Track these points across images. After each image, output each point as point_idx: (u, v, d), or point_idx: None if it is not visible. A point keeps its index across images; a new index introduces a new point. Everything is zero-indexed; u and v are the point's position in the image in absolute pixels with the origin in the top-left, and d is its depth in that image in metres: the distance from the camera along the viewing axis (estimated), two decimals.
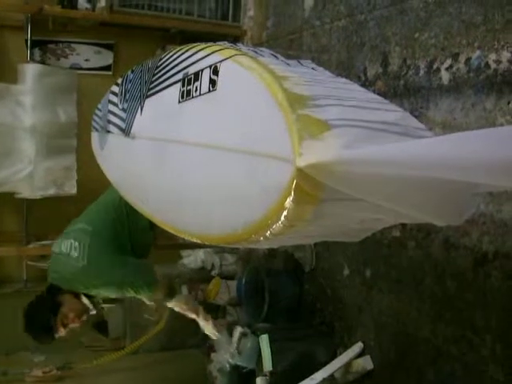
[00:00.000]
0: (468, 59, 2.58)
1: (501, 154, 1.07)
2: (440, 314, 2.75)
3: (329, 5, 3.73)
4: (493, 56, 2.45)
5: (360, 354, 3.34)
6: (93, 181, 3.20)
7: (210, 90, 1.67)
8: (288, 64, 1.70)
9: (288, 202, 1.29)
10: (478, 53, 2.53)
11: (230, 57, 1.62)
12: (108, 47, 4.82)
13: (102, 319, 4.89)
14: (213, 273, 4.88)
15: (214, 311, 4.75)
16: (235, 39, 4.74)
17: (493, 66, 2.45)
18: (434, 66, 2.78)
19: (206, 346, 4.39)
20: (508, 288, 2.38)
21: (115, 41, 4.81)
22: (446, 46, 2.72)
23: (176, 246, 4.71)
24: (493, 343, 2.45)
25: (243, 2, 4.94)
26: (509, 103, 2.38)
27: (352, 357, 3.32)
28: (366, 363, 3.27)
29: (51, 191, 4.18)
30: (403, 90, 3.00)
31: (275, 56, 1.77)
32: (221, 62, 1.64)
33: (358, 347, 3.34)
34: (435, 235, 2.78)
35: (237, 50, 1.68)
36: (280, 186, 1.29)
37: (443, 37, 2.74)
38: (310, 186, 1.25)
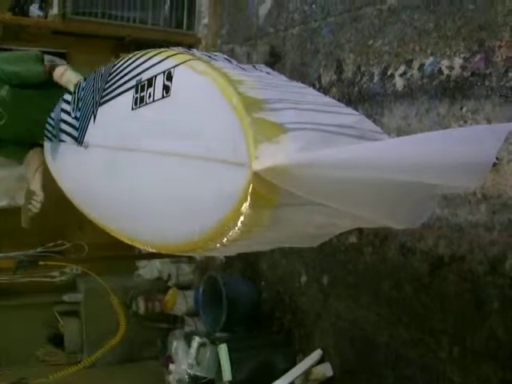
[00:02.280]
0: (421, 65, 2.61)
1: (451, 154, 1.08)
2: (398, 318, 2.76)
3: (283, 13, 3.74)
4: (445, 62, 2.48)
5: (319, 361, 3.34)
6: (46, 192, 3.14)
7: (163, 96, 1.65)
8: (243, 68, 1.68)
9: (244, 207, 1.28)
10: (431, 59, 2.56)
11: (184, 62, 1.60)
12: (61, 56, 4.74)
13: (58, 333, 4.82)
14: (170, 283, 4.85)
15: (171, 322, 4.73)
16: (190, 47, 4.71)
17: (446, 72, 2.48)
18: (388, 73, 2.81)
19: (165, 357, 4.34)
20: (464, 290, 2.40)
21: (68, 49, 4.74)
22: (399, 52, 2.75)
23: (132, 256, 4.67)
24: (450, 345, 2.47)
25: (197, 10, 4.92)
26: (461, 108, 2.40)
27: (311, 364, 3.31)
28: (326, 370, 3.27)
29: (3, 203, 4.09)
30: (358, 97, 3.02)
31: (229, 60, 1.75)
32: (174, 67, 1.63)
33: (317, 354, 3.34)
34: (392, 240, 2.79)
35: (190, 55, 1.66)
36: (236, 190, 1.27)
37: (397, 44, 2.76)
38: (266, 190, 1.23)
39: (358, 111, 1.67)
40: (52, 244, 4.25)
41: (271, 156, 1.17)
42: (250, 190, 1.23)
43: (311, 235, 1.71)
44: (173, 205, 1.61)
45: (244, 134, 1.25)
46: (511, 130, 1.29)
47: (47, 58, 2.87)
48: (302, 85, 1.75)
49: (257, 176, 1.19)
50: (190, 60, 1.60)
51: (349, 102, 3.01)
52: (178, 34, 4.91)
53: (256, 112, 1.30)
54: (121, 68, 2.02)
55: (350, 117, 1.52)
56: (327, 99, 1.65)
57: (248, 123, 1.26)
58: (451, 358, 2.47)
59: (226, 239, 1.42)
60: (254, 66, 1.78)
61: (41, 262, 4.00)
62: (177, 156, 1.54)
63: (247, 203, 1.26)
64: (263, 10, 3.96)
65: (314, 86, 3.33)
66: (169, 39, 4.71)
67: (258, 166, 1.18)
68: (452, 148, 1.19)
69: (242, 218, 1.31)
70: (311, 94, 1.66)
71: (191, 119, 1.53)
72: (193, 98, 1.55)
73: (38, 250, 4.16)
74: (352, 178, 1.17)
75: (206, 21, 4.89)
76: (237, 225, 1.34)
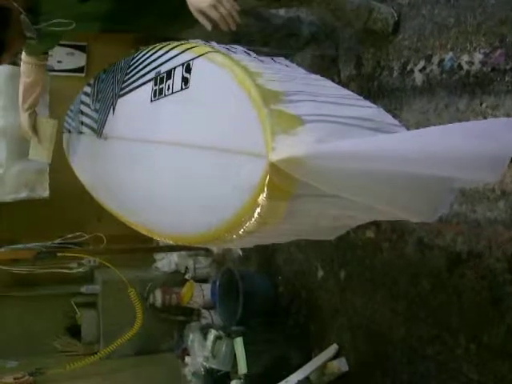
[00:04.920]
0: (441, 61, 2.59)
1: (469, 147, 1.08)
2: (415, 314, 2.75)
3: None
4: (465, 57, 2.46)
5: (335, 356, 3.33)
6: (65, 183, 3.17)
7: (182, 88, 1.67)
8: (261, 61, 1.69)
9: (261, 198, 1.28)
10: (450, 54, 2.54)
11: (203, 54, 1.62)
12: (81, 48, 4.77)
13: (76, 324, 4.86)
14: (187, 276, 4.87)
15: (188, 315, 4.74)
16: None
17: (465, 67, 2.46)
18: (408, 68, 2.79)
19: (181, 349, 4.37)
20: (481, 288, 2.39)
21: (88, 42, 4.76)
22: (419, 47, 2.73)
23: (150, 249, 4.69)
24: (467, 343, 2.45)
25: None
26: (481, 104, 2.39)
27: (327, 359, 3.31)
28: (341, 365, 3.27)
29: (23, 194, 4.11)
30: (377, 92, 3.01)
31: (248, 53, 1.76)
32: (193, 59, 1.64)
33: (333, 349, 3.34)
34: (409, 236, 2.78)
35: (209, 47, 1.67)
36: (253, 181, 1.27)
37: (416, 38, 2.75)
38: (283, 181, 1.24)
39: (377, 106, 1.67)
40: (71, 236, 4.28)
41: (288, 147, 1.17)
42: (266, 180, 1.24)
43: (327, 227, 1.71)
44: (190, 196, 1.62)
45: (261, 126, 1.26)
46: None
47: None
48: (321, 77, 1.75)
49: (274, 167, 1.20)
50: (208, 52, 1.61)
51: (368, 96, 2.96)
52: None
53: (274, 104, 1.30)
54: (140, 60, 2.03)
55: (369, 109, 1.52)
56: (345, 91, 1.65)
57: (266, 114, 1.26)
58: (468, 355, 2.46)
59: (242, 230, 1.43)
60: (273, 59, 1.78)
61: (59, 254, 4.03)
62: (194, 147, 1.56)
63: (264, 194, 1.27)
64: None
65: (333, 81, 3.31)
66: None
67: (274, 156, 1.18)
68: (470, 141, 1.19)
69: (258, 210, 1.32)
70: (329, 87, 1.66)
71: (209, 111, 1.54)
72: (211, 90, 1.56)
73: (57, 241, 4.19)
74: (369, 170, 1.17)
75: None
76: (253, 216, 1.35)
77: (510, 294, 2.27)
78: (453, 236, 2.54)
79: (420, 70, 2.71)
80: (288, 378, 3.20)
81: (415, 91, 2.75)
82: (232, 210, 1.39)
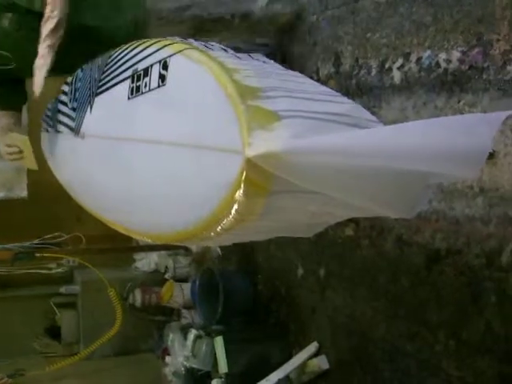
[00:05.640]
0: (419, 58, 2.60)
1: (446, 142, 1.08)
2: (394, 312, 2.76)
3: None
4: (443, 55, 2.47)
5: (315, 354, 3.33)
6: (44, 183, 3.14)
7: (159, 86, 1.66)
8: (238, 57, 1.68)
9: (238, 194, 1.27)
10: (428, 52, 2.55)
11: (180, 51, 1.61)
12: None
13: (55, 324, 4.83)
14: (166, 276, 4.86)
15: (168, 314, 4.73)
16: None
17: (443, 65, 2.47)
18: (386, 66, 2.80)
19: (161, 349, 4.35)
20: (460, 284, 2.40)
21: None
22: (397, 45, 2.74)
23: (129, 248, 4.67)
24: (446, 339, 2.47)
25: None
26: (459, 102, 2.40)
27: (307, 357, 3.31)
28: (322, 363, 3.27)
29: (1, 194, 4.09)
30: (355, 90, 3.01)
31: (225, 50, 1.75)
32: (170, 56, 1.63)
33: (313, 347, 3.34)
34: (388, 233, 2.79)
35: (187, 44, 1.66)
36: (229, 178, 1.27)
37: (394, 37, 2.75)
38: (260, 177, 1.23)
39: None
40: (49, 236, 4.25)
41: (264, 142, 1.16)
42: (243, 177, 1.23)
43: (306, 224, 1.71)
44: (167, 194, 1.61)
45: (238, 121, 1.25)
46: (507, 123, 1.29)
47: None
48: (298, 74, 1.75)
49: (250, 162, 1.19)
50: (186, 49, 1.60)
51: (346, 94, 2.97)
52: None
53: (251, 100, 1.30)
54: (118, 58, 2.02)
55: (346, 105, 1.52)
56: (323, 88, 1.65)
57: (242, 110, 1.26)
58: (447, 351, 2.47)
59: (220, 228, 1.42)
60: (250, 55, 1.78)
61: (38, 254, 4.00)
62: (171, 145, 1.55)
63: (241, 191, 1.26)
64: (261, 2, 3.95)
65: (311, 79, 3.31)
66: None
67: (251, 152, 1.17)
68: (446, 135, 1.19)
69: (235, 206, 1.31)
70: (307, 83, 1.66)
71: (186, 108, 1.53)
72: (188, 87, 1.55)
73: (36, 241, 4.16)
74: (346, 165, 1.16)
75: None
76: (231, 213, 1.34)
77: (488, 290, 2.28)
78: (432, 233, 2.55)
79: (398, 68, 2.72)
80: (268, 377, 3.20)
81: (393, 89, 2.76)
82: (209, 208, 1.38)
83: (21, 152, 2.78)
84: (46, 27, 2.28)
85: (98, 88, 2.13)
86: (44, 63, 2.31)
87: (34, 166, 2.86)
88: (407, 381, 2.70)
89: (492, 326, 2.27)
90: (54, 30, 2.30)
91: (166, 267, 4.87)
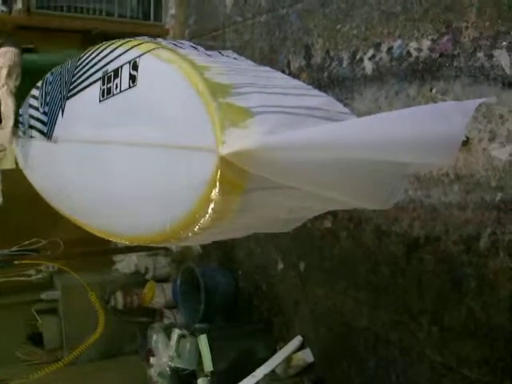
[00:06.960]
0: (390, 48, 2.61)
1: (420, 131, 1.08)
2: (376, 302, 2.77)
3: (250, 0, 3.72)
4: (414, 44, 2.48)
5: (300, 348, 3.34)
6: (19, 190, 3.09)
7: (130, 86, 1.64)
8: (209, 55, 1.67)
9: (214, 193, 1.27)
10: (399, 42, 2.56)
11: (149, 51, 1.59)
12: (28, 51, 4.67)
13: (37, 331, 4.78)
14: (147, 276, 4.84)
15: (150, 315, 4.71)
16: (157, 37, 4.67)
17: (414, 54, 2.48)
18: (357, 57, 2.80)
19: (145, 350, 4.33)
20: (440, 271, 2.42)
21: (35, 44, 4.66)
22: (367, 36, 2.74)
23: (108, 251, 4.64)
24: (429, 326, 2.48)
25: (164, 0, 4.88)
26: (431, 90, 2.41)
27: (292, 351, 3.32)
28: (307, 356, 3.28)
29: None
30: (327, 82, 3.01)
31: (195, 48, 1.74)
32: (139, 56, 1.61)
33: (297, 341, 3.34)
34: (366, 224, 2.80)
35: (156, 43, 1.65)
36: (205, 177, 1.26)
37: (365, 27, 2.76)
38: (235, 175, 1.22)
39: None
40: (27, 242, 4.21)
41: (238, 140, 1.16)
42: (218, 175, 1.22)
43: (283, 220, 1.70)
44: (143, 195, 1.60)
45: (210, 120, 1.24)
46: (480, 110, 1.30)
47: None
48: (270, 69, 1.74)
49: (224, 161, 1.18)
50: (155, 49, 1.59)
51: (319, 87, 2.99)
52: (146, 25, 4.84)
53: (222, 97, 1.29)
54: (87, 60, 1.99)
55: (318, 98, 1.52)
56: (295, 82, 1.65)
57: (214, 108, 1.25)
58: (430, 338, 2.49)
59: (197, 227, 1.41)
60: (221, 52, 1.77)
61: (16, 262, 3.97)
62: (145, 146, 1.53)
63: (216, 189, 1.25)
64: None
65: (283, 72, 3.30)
66: (136, 31, 4.65)
67: (225, 150, 1.17)
68: (420, 125, 1.19)
69: (212, 205, 1.30)
70: (278, 78, 1.65)
71: (158, 108, 1.52)
72: (159, 87, 1.54)
73: (14, 249, 4.12)
74: (320, 159, 1.16)
75: (173, 11, 4.85)
76: (207, 212, 1.33)
77: (468, 276, 2.30)
78: (410, 222, 2.56)
79: (369, 59, 2.73)
80: (254, 373, 3.19)
81: (366, 80, 2.76)
82: (186, 208, 1.37)
83: (4, 150, 2.78)
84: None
85: (69, 91, 2.11)
86: (9, 116, 2.60)
87: (12, 165, 2.85)
88: (392, 369, 2.72)
89: (473, 310, 2.29)
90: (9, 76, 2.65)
91: (147, 268, 4.85)
